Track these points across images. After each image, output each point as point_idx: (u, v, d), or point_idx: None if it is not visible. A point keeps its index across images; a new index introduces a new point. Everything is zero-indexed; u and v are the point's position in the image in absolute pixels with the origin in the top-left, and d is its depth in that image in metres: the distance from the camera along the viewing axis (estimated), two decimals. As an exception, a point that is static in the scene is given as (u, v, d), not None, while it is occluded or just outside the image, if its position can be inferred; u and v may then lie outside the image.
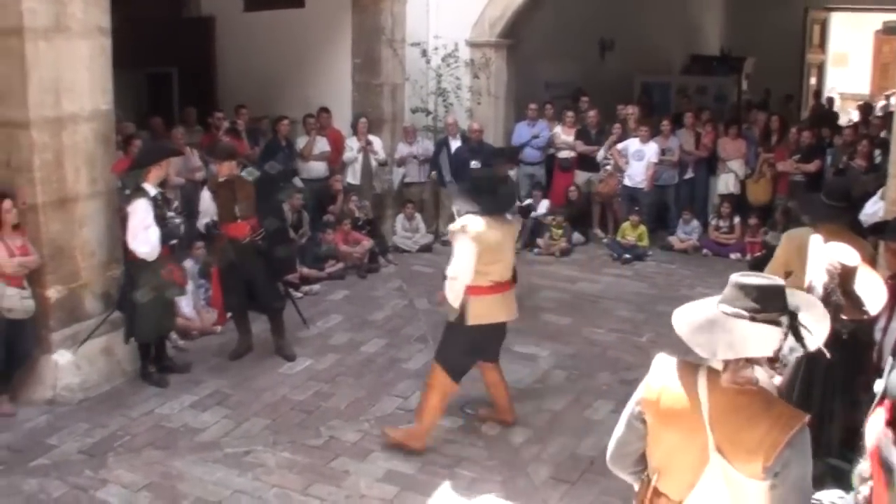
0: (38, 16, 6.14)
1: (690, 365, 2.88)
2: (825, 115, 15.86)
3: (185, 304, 7.90)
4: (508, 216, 5.89)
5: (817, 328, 2.76)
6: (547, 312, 8.59)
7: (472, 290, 5.60)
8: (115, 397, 6.61)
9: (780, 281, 2.81)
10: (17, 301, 6.19)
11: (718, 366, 2.78)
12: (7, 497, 5.21)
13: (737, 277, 2.80)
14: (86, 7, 6.45)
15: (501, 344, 6.06)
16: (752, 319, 2.69)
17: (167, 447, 5.86)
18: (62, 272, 6.57)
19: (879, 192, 7.86)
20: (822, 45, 21.12)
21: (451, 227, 5.69)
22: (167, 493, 5.29)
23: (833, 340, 3.76)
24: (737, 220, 10.99)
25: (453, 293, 5.60)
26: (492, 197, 5.63)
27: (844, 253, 3.90)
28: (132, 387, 6.78)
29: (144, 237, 6.53)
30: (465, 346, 5.74)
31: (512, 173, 9.06)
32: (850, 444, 3.81)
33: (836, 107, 18.53)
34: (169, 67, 12.54)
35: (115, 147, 7.20)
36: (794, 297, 2.81)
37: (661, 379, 2.91)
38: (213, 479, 5.44)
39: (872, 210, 7.93)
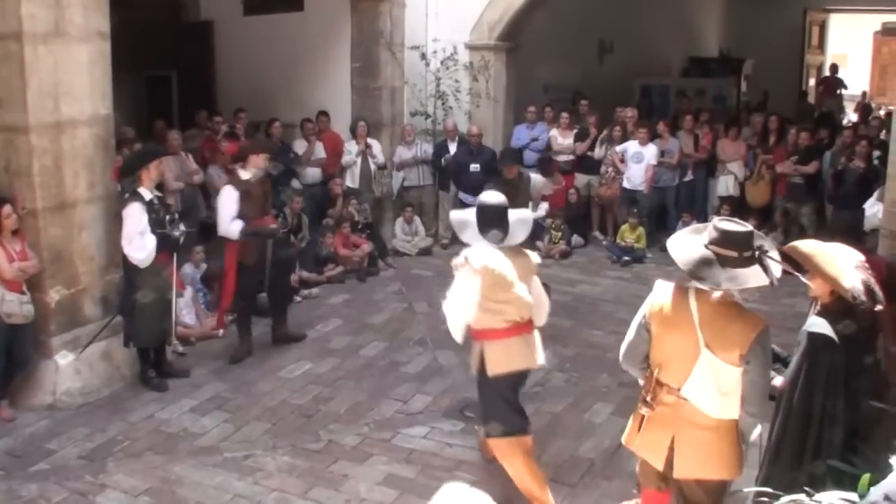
0: (38, 21, 6.14)
1: (682, 287, 3.93)
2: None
3: (186, 311, 7.90)
4: (525, 249, 5.18)
5: (776, 261, 3.76)
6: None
7: (486, 334, 4.95)
8: (114, 402, 6.61)
9: (749, 226, 3.84)
10: (17, 306, 6.19)
11: (704, 287, 3.78)
12: (7, 502, 5.21)
13: (720, 224, 3.82)
14: (85, 12, 6.46)
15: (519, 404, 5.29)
16: (739, 258, 3.72)
17: (167, 452, 5.86)
18: (62, 277, 6.57)
19: (877, 193, 7.87)
20: (822, 46, 21.15)
21: (455, 260, 4.96)
22: (167, 497, 5.29)
23: (834, 341, 3.79)
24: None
25: (453, 332, 4.93)
26: (501, 226, 4.96)
27: (851, 251, 3.94)
28: (132, 391, 6.78)
29: (140, 243, 6.53)
30: (504, 401, 5.02)
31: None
32: (851, 446, 3.81)
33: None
34: (168, 71, 12.57)
35: (115, 152, 7.19)
36: (756, 237, 3.82)
37: (662, 298, 3.94)
38: (213, 483, 5.44)
39: (871, 212, 7.94)
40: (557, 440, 6.01)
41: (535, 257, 5.17)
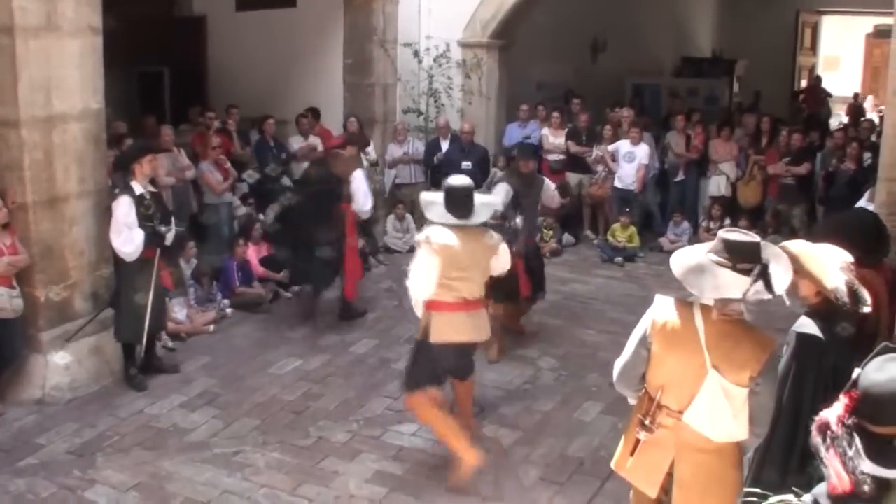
0: (29, 14, 6.11)
1: (685, 302, 3.70)
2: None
3: (177, 307, 7.89)
4: (492, 232, 5.54)
5: (782, 277, 3.52)
6: (537, 313, 8.58)
7: (435, 305, 5.31)
8: (104, 397, 6.60)
9: (756, 238, 3.58)
10: (7, 300, 6.18)
11: (709, 302, 3.58)
12: (-5, 497, 5.21)
13: (724, 234, 3.60)
14: (77, 6, 6.43)
15: (471, 364, 5.70)
16: (733, 269, 3.49)
17: (156, 447, 5.85)
18: (52, 271, 6.54)
19: (867, 194, 7.89)
20: (814, 48, 21.23)
21: (417, 236, 5.44)
22: (156, 493, 5.28)
23: (823, 341, 3.80)
24: (727, 222, 11.01)
25: (414, 306, 5.43)
26: (464, 208, 5.33)
27: (839, 251, 3.94)
28: (121, 387, 6.77)
29: (128, 236, 6.53)
30: (429, 364, 5.41)
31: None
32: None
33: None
34: (160, 66, 12.53)
35: (107, 146, 7.17)
36: (766, 251, 3.56)
37: (664, 314, 3.69)
38: (202, 479, 5.43)
39: (862, 214, 7.93)
40: (547, 439, 6.02)
41: (495, 237, 5.52)
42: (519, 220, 7.30)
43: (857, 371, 2.58)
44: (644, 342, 3.73)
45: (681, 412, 3.63)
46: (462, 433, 5.34)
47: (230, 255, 9.09)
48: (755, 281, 3.43)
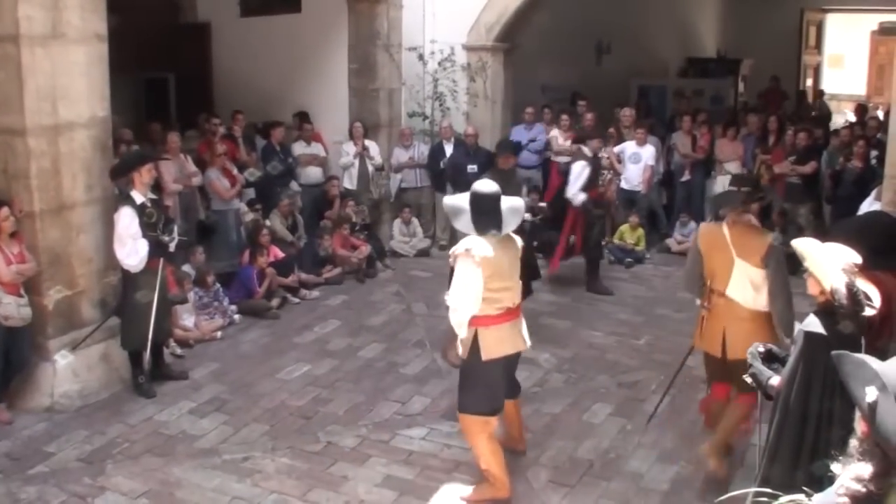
0: (35, 23, 6.14)
1: (716, 224, 5.60)
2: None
3: (185, 314, 7.89)
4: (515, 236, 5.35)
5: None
6: (545, 316, 8.59)
7: (481, 321, 5.01)
8: (113, 404, 6.61)
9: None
10: (15, 309, 6.19)
11: (729, 220, 5.43)
12: (6, 505, 5.22)
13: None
14: (82, 14, 6.45)
15: (514, 376, 5.57)
16: (738, 191, 5.80)
17: (165, 454, 5.86)
18: (59, 279, 6.56)
19: (875, 193, 7.87)
20: (819, 46, 21.18)
21: (454, 249, 5.07)
22: (165, 500, 5.29)
23: (834, 341, 3.79)
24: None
25: (458, 325, 4.98)
26: (495, 216, 5.05)
27: (847, 251, 3.92)
28: (130, 394, 6.78)
29: (133, 247, 6.52)
30: (486, 384, 5.13)
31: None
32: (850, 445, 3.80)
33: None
34: (166, 73, 12.56)
35: (113, 154, 7.19)
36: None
37: (706, 231, 5.62)
38: (212, 485, 5.44)
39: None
40: (556, 441, 6.01)
41: (519, 241, 5.35)
42: None
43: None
44: (696, 251, 5.53)
45: (724, 291, 5.31)
46: (502, 471, 5.20)
47: (238, 261, 9.11)
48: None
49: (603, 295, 9.37)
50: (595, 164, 9.51)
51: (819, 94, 19.12)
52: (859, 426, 2.66)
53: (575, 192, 9.16)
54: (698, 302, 5.59)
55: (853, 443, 2.64)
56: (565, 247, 9.44)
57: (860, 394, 2.64)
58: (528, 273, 7.67)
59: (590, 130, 11.06)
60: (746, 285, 5.23)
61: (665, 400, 6.26)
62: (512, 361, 5.34)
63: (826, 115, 17.12)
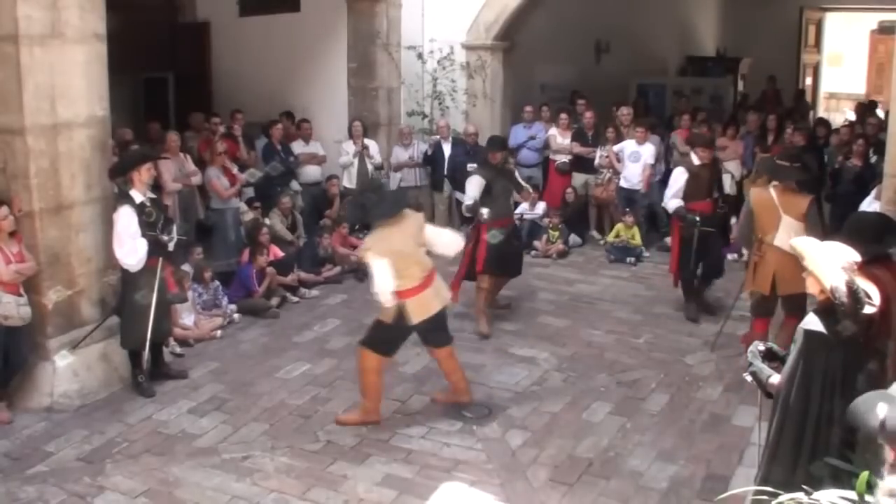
0: (34, 22, 6.13)
1: (764, 188, 7.16)
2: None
3: (185, 313, 7.89)
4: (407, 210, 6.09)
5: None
6: (544, 314, 8.59)
7: (405, 294, 5.88)
8: (112, 404, 6.61)
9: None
10: (14, 308, 6.18)
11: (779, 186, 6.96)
12: (5, 504, 5.22)
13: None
14: (81, 13, 6.45)
15: (446, 328, 6.30)
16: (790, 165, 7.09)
17: (165, 453, 5.85)
18: (59, 279, 6.56)
19: (874, 192, 7.88)
20: (818, 44, 21.16)
21: (358, 252, 6.17)
22: (165, 499, 5.28)
23: (830, 339, 3.80)
24: (733, 220, 10.97)
25: (385, 303, 5.87)
26: (379, 203, 5.96)
27: (847, 250, 3.93)
28: (130, 393, 6.77)
29: (132, 247, 6.50)
30: (393, 337, 6.11)
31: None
32: (850, 445, 3.80)
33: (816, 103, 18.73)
34: (165, 73, 12.56)
35: (112, 153, 7.18)
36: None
37: (756, 194, 7.12)
38: (211, 484, 5.44)
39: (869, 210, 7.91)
40: (555, 440, 6.01)
41: (417, 215, 6.22)
42: (485, 211, 7.84)
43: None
44: (749, 211, 7.10)
45: (771, 241, 6.84)
46: (379, 398, 6.20)
47: (237, 260, 9.11)
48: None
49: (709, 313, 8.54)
50: (702, 171, 8.41)
51: (800, 93, 18.95)
52: (888, 454, 2.69)
53: (668, 199, 8.53)
54: (745, 254, 7.46)
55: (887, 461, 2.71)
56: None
57: (872, 418, 2.66)
58: (513, 261, 8.33)
59: (703, 135, 10.09)
60: (791, 235, 6.13)
61: (665, 399, 6.24)
62: (440, 315, 6.15)
63: (804, 112, 17.06)
